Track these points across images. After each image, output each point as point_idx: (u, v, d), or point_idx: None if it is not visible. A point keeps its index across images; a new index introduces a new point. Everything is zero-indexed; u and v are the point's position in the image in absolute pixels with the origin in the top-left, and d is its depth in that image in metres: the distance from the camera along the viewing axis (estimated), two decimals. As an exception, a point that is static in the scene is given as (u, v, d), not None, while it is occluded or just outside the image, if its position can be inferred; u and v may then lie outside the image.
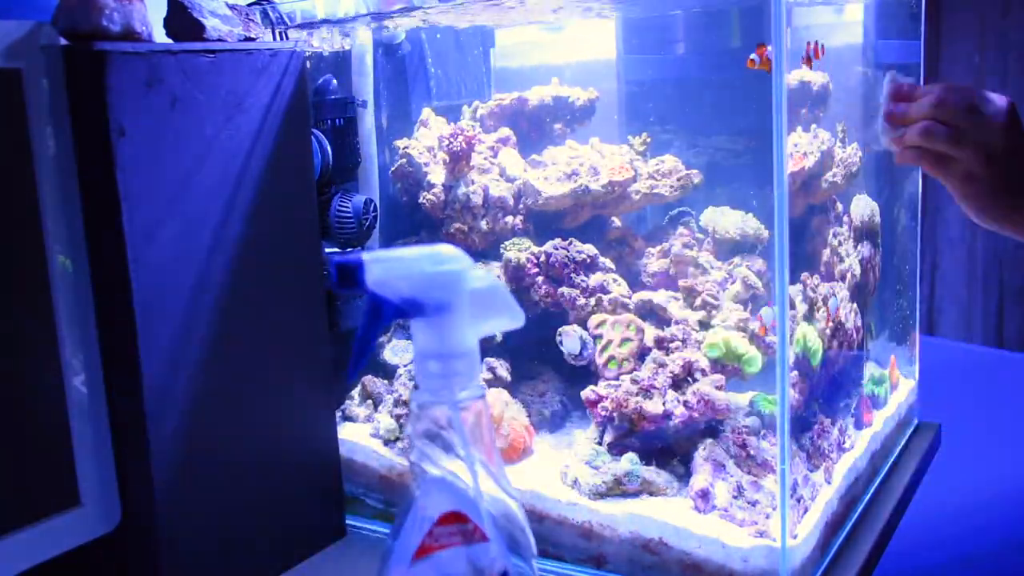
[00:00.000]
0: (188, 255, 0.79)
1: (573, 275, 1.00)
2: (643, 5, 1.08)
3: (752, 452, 0.87)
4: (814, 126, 1.00)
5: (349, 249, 1.03)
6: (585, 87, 1.12)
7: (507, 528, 0.51)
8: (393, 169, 1.11)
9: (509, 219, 1.05)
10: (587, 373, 0.97)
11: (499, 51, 1.21)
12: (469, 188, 1.06)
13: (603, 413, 0.91)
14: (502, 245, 1.04)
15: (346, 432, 1.02)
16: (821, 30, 1.04)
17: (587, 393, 0.92)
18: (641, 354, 0.95)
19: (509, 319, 0.53)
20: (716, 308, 0.95)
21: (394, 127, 1.13)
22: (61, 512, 0.75)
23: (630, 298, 0.99)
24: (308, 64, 0.91)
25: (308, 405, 0.92)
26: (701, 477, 0.85)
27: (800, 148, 0.96)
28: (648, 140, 1.07)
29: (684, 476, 0.88)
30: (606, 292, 0.99)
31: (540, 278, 1.01)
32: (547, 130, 1.13)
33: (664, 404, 0.89)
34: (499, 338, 1.01)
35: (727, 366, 0.92)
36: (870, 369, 1.11)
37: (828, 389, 0.98)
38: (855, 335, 1.03)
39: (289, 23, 0.99)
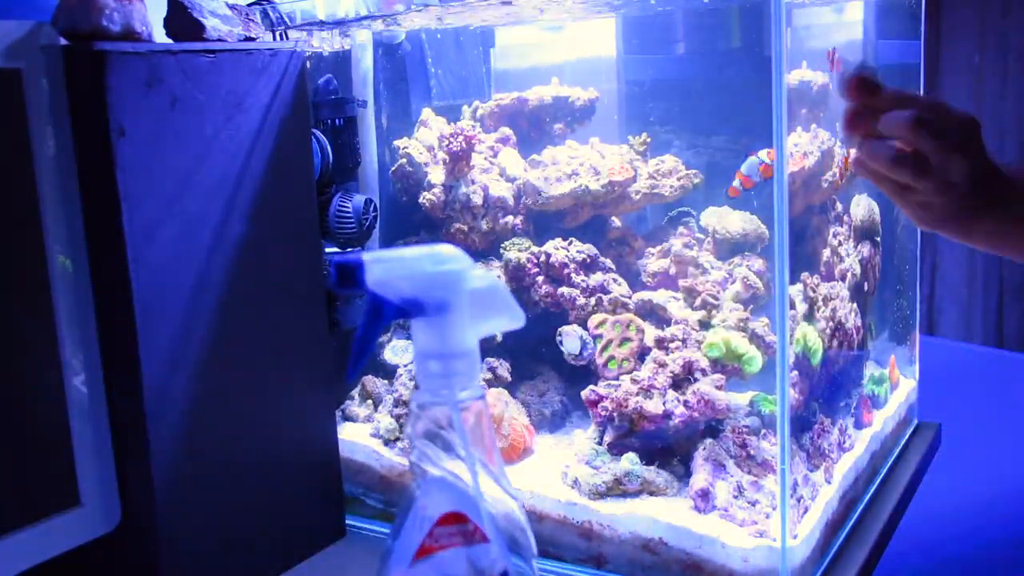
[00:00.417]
0: (188, 255, 0.79)
1: (573, 275, 1.00)
2: (643, 5, 1.08)
3: (752, 452, 0.87)
4: (814, 126, 1.00)
5: (349, 249, 1.03)
6: (585, 87, 1.12)
7: (507, 528, 0.51)
8: (393, 169, 1.11)
9: (509, 219, 1.05)
10: (587, 373, 0.97)
11: (499, 51, 1.21)
12: (469, 188, 1.06)
13: (603, 413, 0.91)
14: (502, 245, 1.04)
15: (346, 432, 1.02)
16: (821, 30, 1.04)
17: (587, 393, 0.92)
18: (641, 354, 0.95)
19: (509, 319, 0.53)
20: (716, 308, 0.95)
21: (394, 127, 1.13)
22: (61, 512, 0.75)
23: (630, 298, 0.99)
24: (308, 64, 0.91)
25: (308, 405, 0.92)
26: (701, 477, 0.85)
27: (800, 148, 0.96)
28: (648, 140, 1.07)
29: (684, 476, 0.88)
30: (606, 292, 0.99)
31: (540, 278, 1.01)
32: (547, 130, 1.13)
33: (664, 404, 0.89)
34: (499, 338, 1.01)
35: (727, 366, 0.91)
36: (870, 369, 1.11)
37: (828, 389, 0.98)
38: (855, 335, 1.03)
39: (289, 23, 0.99)
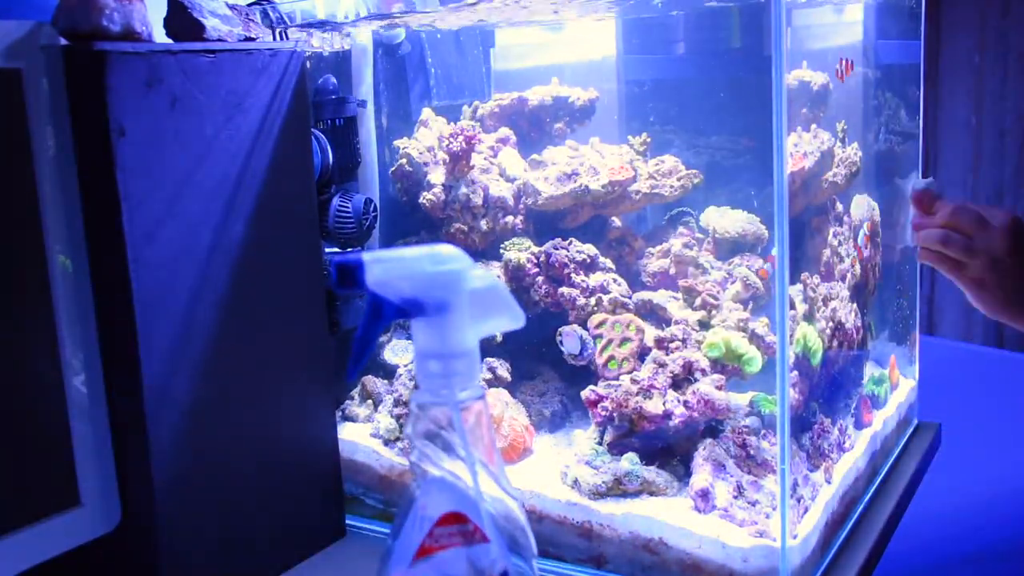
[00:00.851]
0: (188, 255, 0.79)
1: (573, 275, 1.00)
2: (646, 5, 1.08)
3: (752, 452, 0.87)
4: (814, 126, 1.00)
5: (349, 249, 1.03)
6: (585, 87, 1.12)
7: (507, 528, 0.51)
8: (393, 169, 1.11)
9: (509, 219, 1.05)
10: (587, 373, 0.97)
11: (499, 51, 1.21)
12: (469, 188, 1.06)
13: (603, 413, 0.91)
14: (502, 245, 1.04)
15: (346, 432, 1.02)
16: (821, 30, 1.04)
17: (587, 393, 0.92)
18: (641, 354, 0.95)
19: (509, 319, 0.53)
20: (716, 308, 0.95)
21: (394, 127, 1.13)
22: (61, 512, 0.75)
23: (630, 298, 0.99)
24: (308, 64, 0.91)
25: (308, 405, 0.92)
26: (701, 477, 0.85)
27: (800, 148, 0.96)
28: (648, 140, 1.07)
29: (684, 476, 0.88)
30: (606, 292, 0.99)
31: (540, 278, 1.01)
32: (547, 130, 1.13)
33: (664, 404, 0.89)
34: (499, 338, 1.01)
35: (727, 366, 0.91)
36: (870, 369, 1.11)
37: (828, 389, 0.98)
38: (855, 335, 1.03)
39: (289, 23, 0.99)
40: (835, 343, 0.98)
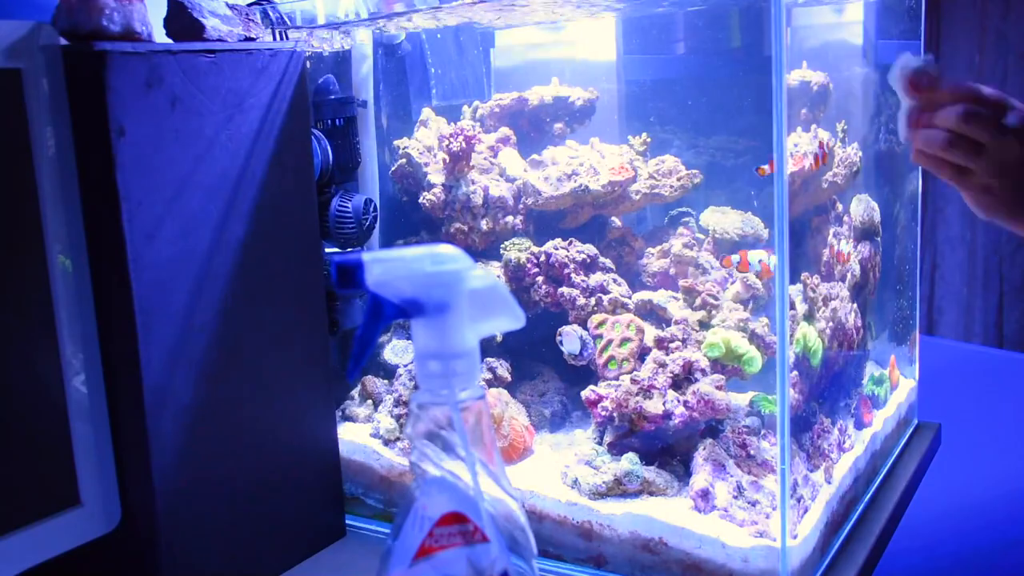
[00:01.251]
0: (188, 255, 0.79)
1: (573, 275, 1.00)
2: (644, 4, 1.08)
3: (752, 452, 0.87)
4: (814, 126, 1.00)
5: (349, 249, 1.03)
6: (585, 87, 1.12)
7: (507, 528, 0.51)
8: (393, 169, 1.11)
9: (509, 219, 1.05)
10: (587, 373, 0.97)
11: (499, 51, 1.21)
12: (469, 188, 1.06)
13: (603, 413, 0.91)
14: (502, 245, 1.04)
15: (346, 432, 1.02)
16: (821, 30, 1.04)
17: (587, 393, 0.92)
18: (641, 354, 0.95)
19: (509, 319, 0.53)
20: (716, 308, 0.95)
21: (394, 127, 1.13)
22: (61, 512, 0.75)
23: (630, 298, 0.99)
24: (308, 64, 0.91)
25: (308, 405, 0.92)
26: (701, 477, 0.85)
27: (800, 148, 0.96)
28: (648, 140, 1.07)
29: (684, 476, 0.88)
30: (606, 292, 0.99)
31: (540, 278, 1.01)
32: (547, 130, 1.13)
33: (664, 404, 0.89)
34: (499, 338, 1.01)
35: (727, 366, 0.92)
36: (870, 369, 1.11)
37: (828, 389, 0.98)
38: (855, 335, 1.03)
39: (289, 23, 0.99)
40: (835, 343, 0.98)
